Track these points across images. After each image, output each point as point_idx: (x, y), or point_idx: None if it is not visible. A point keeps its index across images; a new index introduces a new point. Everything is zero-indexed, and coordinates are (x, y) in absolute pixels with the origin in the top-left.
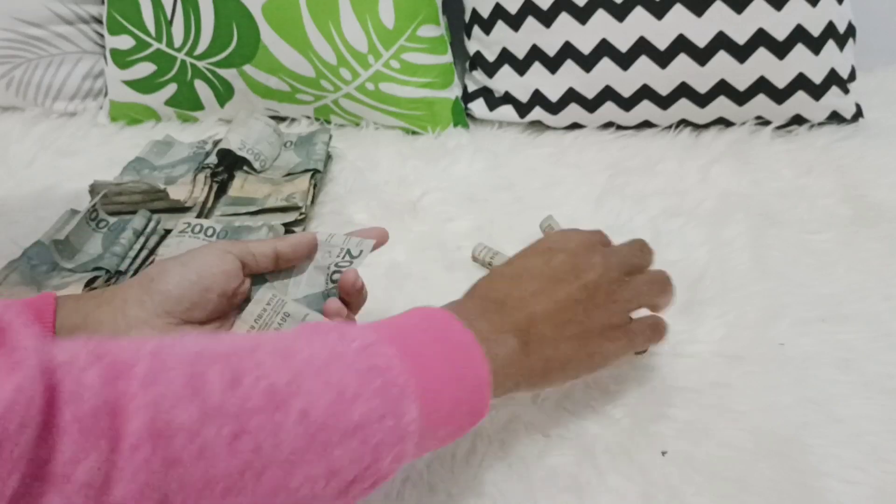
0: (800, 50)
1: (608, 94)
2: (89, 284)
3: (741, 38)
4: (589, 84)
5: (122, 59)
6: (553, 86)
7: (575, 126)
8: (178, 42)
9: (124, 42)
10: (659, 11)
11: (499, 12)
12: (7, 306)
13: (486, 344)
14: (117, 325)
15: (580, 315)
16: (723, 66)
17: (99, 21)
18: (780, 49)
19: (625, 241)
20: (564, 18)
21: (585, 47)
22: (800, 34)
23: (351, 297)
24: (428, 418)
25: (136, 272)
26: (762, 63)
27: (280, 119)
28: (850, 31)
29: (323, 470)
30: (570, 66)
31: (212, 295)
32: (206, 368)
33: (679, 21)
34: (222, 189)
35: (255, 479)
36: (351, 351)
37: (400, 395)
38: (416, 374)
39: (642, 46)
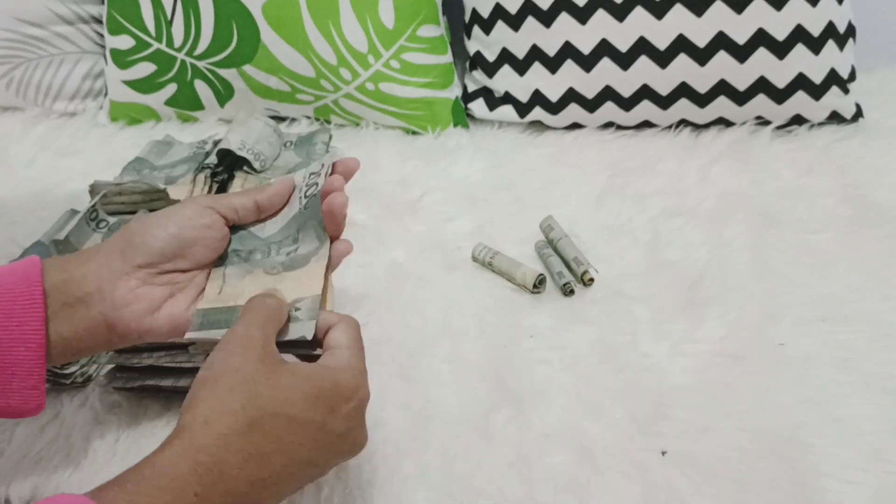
0: (800, 50)
1: (608, 94)
2: None
3: (741, 38)
4: (589, 84)
5: (122, 59)
6: (553, 86)
7: (575, 126)
8: (178, 42)
9: (124, 42)
10: (659, 11)
11: (499, 12)
12: None
13: None
14: (101, 278)
15: (313, 460)
16: (723, 66)
17: (99, 21)
18: (780, 49)
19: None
20: (564, 18)
21: (585, 47)
22: (800, 34)
23: (336, 219)
24: None
25: None
26: (762, 63)
27: (280, 119)
28: (850, 31)
29: None
30: (570, 66)
31: (192, 248)
32: None
33: (679, 21)
34: (222, 189)
35: None
36: None
37: None
38: None
39: (642, 46)
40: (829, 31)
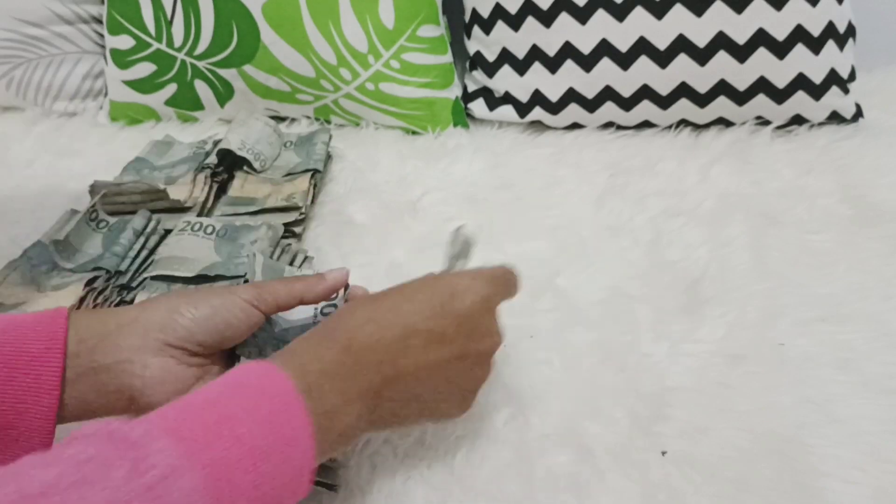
0: (800, 50)
1: (608, 94)
2: (89, 284)
3: (741, 38)
4: (589, 84)
5: (122, 59)
6: (553, 86)
7: (575, 126)
8: (178, 42)
9: (124, 42)
10: (659, 11)
11: (499, 12)
12: (18, 325)
13: (326, 419)
14: (135, 349)
15: (450, 378)
16: (723, 66)
17: (99, 21)
18: (780, 49)
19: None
20: (564, 18)
21: (585, 47)
22: (800, 34)
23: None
24: None
25: (136, 272)
26: (762, 63)
27: (280, 119)
28: (850, 31)
29: None
30: (570, 66)
31: (225, 335)
32: None
33: (679, 21)
34: (222, 189)
35: None
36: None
37: None
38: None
39: (642, 46)
40: (829, 31)
